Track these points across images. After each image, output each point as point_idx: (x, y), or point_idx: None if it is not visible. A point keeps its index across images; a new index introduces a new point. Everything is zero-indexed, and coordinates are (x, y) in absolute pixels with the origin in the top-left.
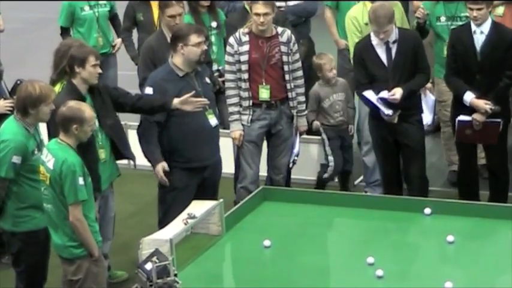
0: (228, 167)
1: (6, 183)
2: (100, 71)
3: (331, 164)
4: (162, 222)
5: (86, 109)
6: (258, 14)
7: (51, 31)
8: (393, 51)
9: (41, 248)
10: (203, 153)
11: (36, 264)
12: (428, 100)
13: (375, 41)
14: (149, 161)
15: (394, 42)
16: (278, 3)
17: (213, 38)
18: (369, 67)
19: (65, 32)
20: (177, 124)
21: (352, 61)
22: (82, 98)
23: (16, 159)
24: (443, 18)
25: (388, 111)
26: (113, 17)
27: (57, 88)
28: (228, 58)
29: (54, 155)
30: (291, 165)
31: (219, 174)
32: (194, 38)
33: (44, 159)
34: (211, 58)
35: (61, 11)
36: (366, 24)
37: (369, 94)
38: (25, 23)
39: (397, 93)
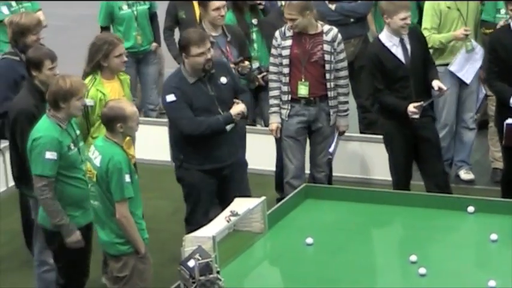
0: (268, 164)
1: (45, 181)
2: (57, 72)
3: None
4: (188, 221)
5: (127, 106)
6: (286, 18)
7: (93, 28)
8: (408, 47)
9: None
10: (218, 155)
11: (76, 260)
12: (479, 92)
13: (388, 42)
14: (229, 121)
15: (406, 38)
16: (330, 5)
17: (254, 35)
18: (388, 69)
19: (105, 31)
20: None
21: (368, 68)
22: (44, 98)
23: (50, 154)
24: (503, 11)
25: None
26: (151, 17)
27: (87, 80)
28: (272, 50)
29: (100, 152)
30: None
31: (244, 172)
32: (194, 50)
33: (91, 156)
34: (252, 55)
35: (100, 11)
36: (448, 7)
37: None
38: (67, 20)
39: (440, 84)
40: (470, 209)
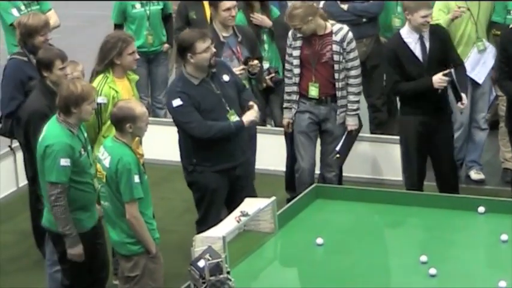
0: (279, 164)
1: (60, 188)
2: (68, 72)
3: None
4: (202, 223)
5: (137, 106)
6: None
7: (106, 28)
8: (427, 45)
9: (87, 247)
10: (231, 154)
11: (81, 263)
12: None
13: (408, 38)
14: (241, 129)
15: (426, 36)
16: (342, 5)
17: (264, 37)
18: (404, 65)
19: (118, 28)
20: None
21: (386, 61)
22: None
23: (64, 161)
24: None
25: None
26: (165, 18)
27: (99, 79)
28: (287, 49)
29: (110, 153)
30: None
31: (252, 171)
32: (200, 45)
33: (101, 157)
34: (262, 56)
35: (113, 8)
36: (459, 7)
37: None
38: (79, 21)
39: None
40: (481, 209)
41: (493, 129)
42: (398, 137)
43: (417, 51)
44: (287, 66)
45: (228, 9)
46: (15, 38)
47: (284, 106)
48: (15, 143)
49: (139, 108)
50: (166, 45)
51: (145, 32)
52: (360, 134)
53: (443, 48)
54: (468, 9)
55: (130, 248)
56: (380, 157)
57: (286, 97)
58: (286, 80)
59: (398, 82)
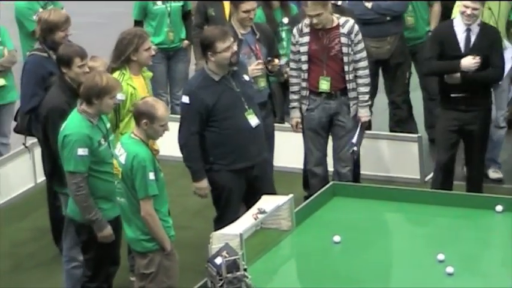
0: (296, 162)
1: (79, 177)
2: (87, 70)
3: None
4: (220, 222)
5: (160, 107)
6: (310, 16)
7: (126, 25)
8: (472, 39)
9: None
10: (247, 154)
11: (104, 253)
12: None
13: (457, 26)
14: (192, 173)
15: (475, 31)
16: (366, 4)
17: (283, 34)
18: (445, 48)
19: (138, 25)
20: (216, 129)
21: (429, 39)
22: (75, 94)
23: (82, 151)
24: None
25: None
26: (185, 15)
27: (116, 76)
28: (291, 47)
29: (126, 149)
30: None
31: (270, 171)
32: (220, 45)
33: (117, 154)
34: (281, 53)
35: (134, 4)
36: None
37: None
38: (102, 17)
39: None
40: (499, 208)
41: (510, 128)
42: (416, 135)
43: (461, 42)
44: (292, 64)
45: (248, 11)
46: (33, 44)
47: (290, 106)
48: (30, 141)
49: (163, 111)
50: (186, 42)
51: (166, 28)
52: (378, 132)
53: (488, 48)
54: (489, 9)
55: (145, 245)
56: (398, 155)
57: (292, 96)
58: (292, 80)
59: (431, 59)
